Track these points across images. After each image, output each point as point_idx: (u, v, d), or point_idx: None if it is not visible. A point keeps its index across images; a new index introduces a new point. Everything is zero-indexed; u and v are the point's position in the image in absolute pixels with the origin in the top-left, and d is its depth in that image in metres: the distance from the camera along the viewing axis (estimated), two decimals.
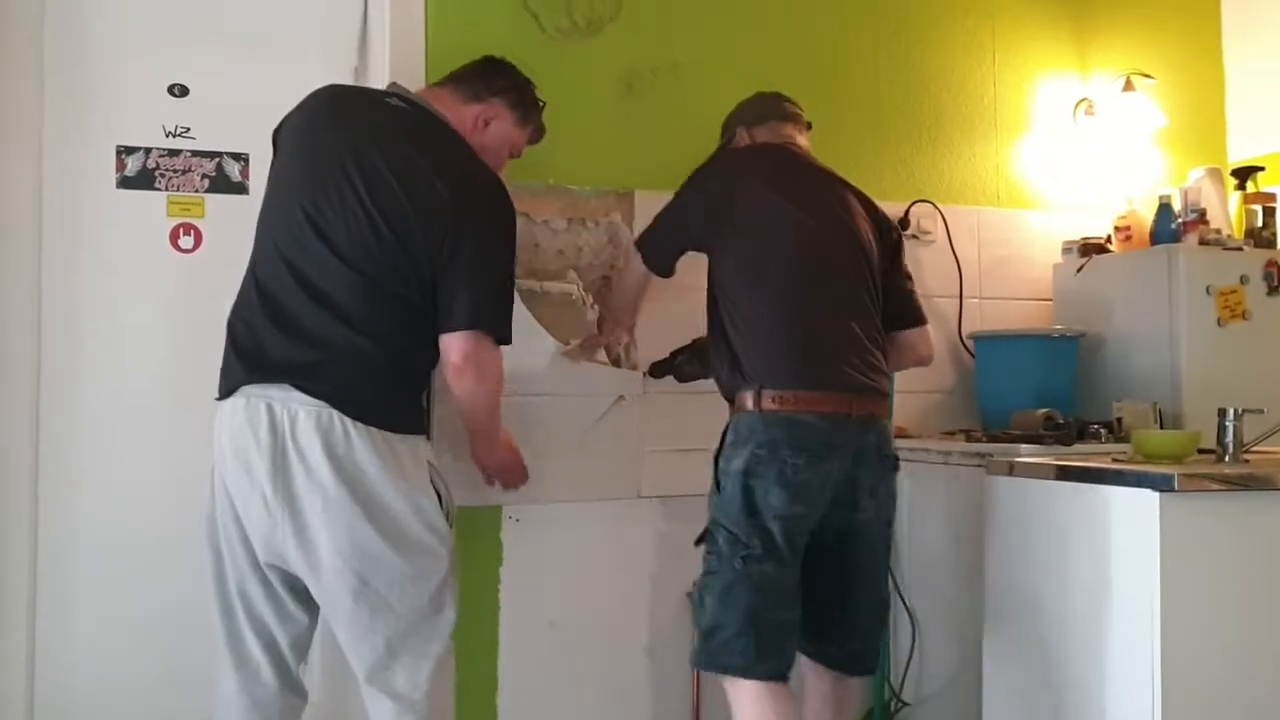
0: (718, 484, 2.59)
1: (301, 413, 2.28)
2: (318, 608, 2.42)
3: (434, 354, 2.46)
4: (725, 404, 2.71)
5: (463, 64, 2.72)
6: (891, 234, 2.88)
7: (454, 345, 2.41)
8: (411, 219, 2.36)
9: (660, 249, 2.85)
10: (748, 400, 2.57)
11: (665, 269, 2.88)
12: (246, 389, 2.32)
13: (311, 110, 2.53)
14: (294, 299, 2.35)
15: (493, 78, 2.68)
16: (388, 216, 2.35)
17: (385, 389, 2.37)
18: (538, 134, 2.81)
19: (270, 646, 2.42)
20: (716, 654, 2.53)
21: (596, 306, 3.16)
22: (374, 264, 2.34)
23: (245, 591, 2.40)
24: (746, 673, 2.49)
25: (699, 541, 2.62)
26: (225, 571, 2.40)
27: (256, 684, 2.41)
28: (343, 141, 2.42)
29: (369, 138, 2.43)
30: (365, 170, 2.37)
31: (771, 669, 2.50)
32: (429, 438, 2.57)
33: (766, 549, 2.49)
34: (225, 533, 2.39)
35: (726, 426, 2.63)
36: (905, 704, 3.27)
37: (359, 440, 2.29)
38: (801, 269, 2.63)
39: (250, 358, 2.35)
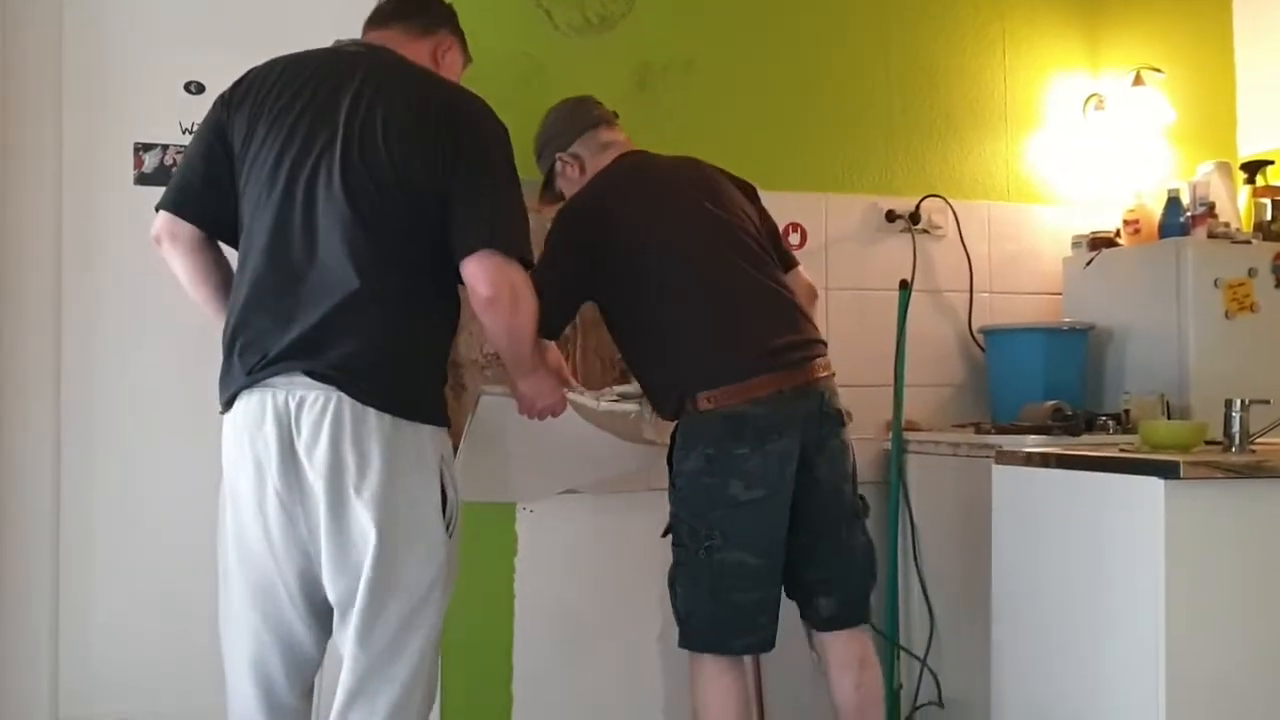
0: (673, 482, 2.68)
1: (308, 397, 2.10)
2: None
3: (451, 320, 2.31)
4: None
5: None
6: (750, 188, 2.90)
7: (477, 273, 2.17)
8: (405, 142, 2.17)
9: (553, 319, 2.63)
10: (685, 404, 2.62)
11: (557, 334, 2.80)
12: (249, 390, 2.15)
13: (266, 87, 2.29)
14: (289, 273, 2.16)
15: (430, 7, 2.50)
16: (377, 151, 2.16)
17: (397, 367, 2.16)
18: (470, 59, 2.60)
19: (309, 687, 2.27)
20: (693, 636, 2.66)
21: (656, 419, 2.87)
22: (372, 207, 2.14)
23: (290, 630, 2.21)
24: (722, 649, 2.64)
25: (665, 534, 2.71)
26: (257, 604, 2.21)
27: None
28: (317, 104, 2.23)
29: (341, 91, 2.23)
30: (346, 123, 2.19)
31: (747, 644, 2.65)
32: (446, 428, 2.30)
33: (727, 537, 2.58)
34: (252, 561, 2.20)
35: (675, 429, 2.69)
36: (924, 704, 3.29)
37: (370, 426, 2.10)
38: (688, 268, 2.67)
39: (248, 355, 2.17)
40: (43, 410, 2.95)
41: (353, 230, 2.14)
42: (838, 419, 2.72)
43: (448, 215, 2.19)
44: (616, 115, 2.95)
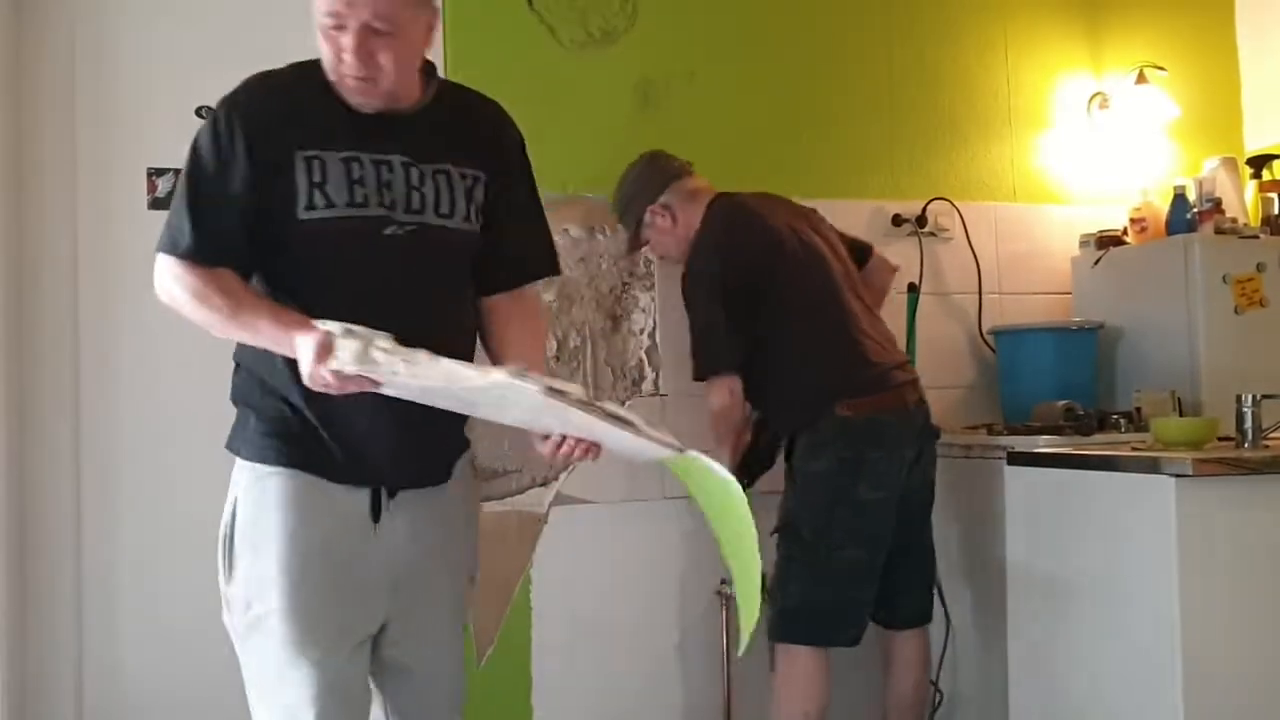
0: (796, 482, 2.86)
1: None
2: None
3: None
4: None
5: None
6: (825, 223, 3.13)
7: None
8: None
9: (730, 354, 2.89)
10: (822, 410, 2.80)
11: (737, 368, 2.92)
12: None
13: None
14: None
15: None
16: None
17: None
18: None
19: None
20: (800, 630, 2.80)
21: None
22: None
23: None
24: (830, 641, 2.81)
25: (775, 532, 2.83)
26: None
27: None
28: None
29: None
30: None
31: (853, 636, 2.82)
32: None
33: (851, 536, 2.77)
34: None
35: (796, 433, 2.88)
36: (942, 695, 3.29)
37: None
38: (818, 294, 2.91)
39: None
40: (62, 436, 2.98)
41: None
42: (936, 435, 3.00)
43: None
44: (690, 164, 3.11)
